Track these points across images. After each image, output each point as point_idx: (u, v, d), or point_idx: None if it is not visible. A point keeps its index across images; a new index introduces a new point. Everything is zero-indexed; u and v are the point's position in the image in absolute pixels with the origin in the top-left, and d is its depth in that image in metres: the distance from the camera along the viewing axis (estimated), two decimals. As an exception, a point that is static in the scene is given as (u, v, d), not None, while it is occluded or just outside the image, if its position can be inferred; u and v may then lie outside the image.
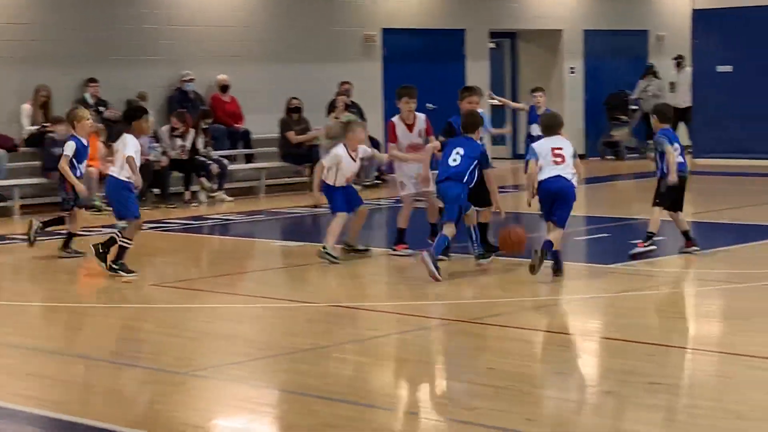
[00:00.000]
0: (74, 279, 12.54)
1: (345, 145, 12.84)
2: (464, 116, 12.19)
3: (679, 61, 25.63)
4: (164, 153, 18.13)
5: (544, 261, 11.02)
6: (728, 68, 23.20)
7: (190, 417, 7.09)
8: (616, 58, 26.08)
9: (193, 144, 18.52)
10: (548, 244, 11.08)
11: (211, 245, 15.04)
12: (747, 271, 11.52)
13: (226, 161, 19.08)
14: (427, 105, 22.86)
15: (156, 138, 18.26)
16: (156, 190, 18.17)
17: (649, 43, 27.03)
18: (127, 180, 11.91)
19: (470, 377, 7.83)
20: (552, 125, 11.75)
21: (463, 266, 12.48)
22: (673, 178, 12.14)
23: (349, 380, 7.77)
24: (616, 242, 13.93)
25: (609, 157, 25.03)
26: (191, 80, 19.54)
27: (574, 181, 11.35)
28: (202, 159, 18.56)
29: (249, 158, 20.51)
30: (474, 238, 11.88)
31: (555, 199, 11.26)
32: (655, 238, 12.27)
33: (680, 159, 12.33)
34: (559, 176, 11.25)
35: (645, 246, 12.26)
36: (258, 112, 20.48)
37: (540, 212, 11.69)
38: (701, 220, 15.25)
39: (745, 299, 10.30)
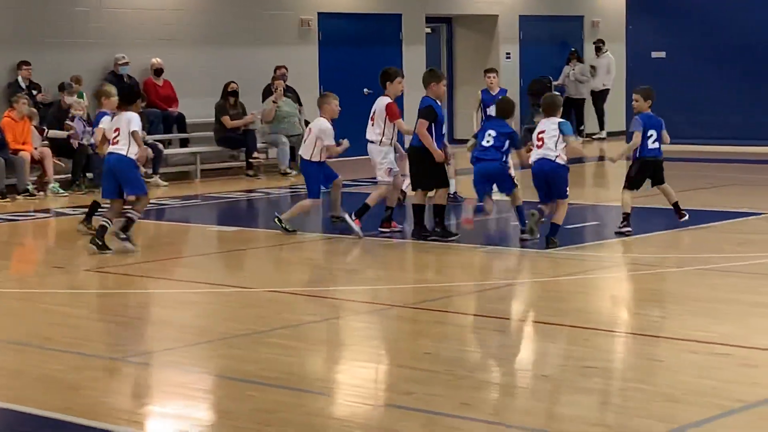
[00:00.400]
0: (7, 264, 12.39)
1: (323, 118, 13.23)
2: (501, 102, 13.10)
3: (599, 45, 25.97)
4: (98, 137, 17.93)
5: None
6: (662, 54, 23.38)
7: (123, 403, 7.03)
8: (551, 44, 26.19)
9: (127, 128, 18.33)
10: (555, 227, 12.04)
11: (145, 230, 14.90)
12: (680, 256, 11.64)
13: (160, 146, 18.93)
14: (364, 90, 22.89)
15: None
16: (90, 175, 17.98)
17: (585, 28, 27.17)
18: (134, 157, 12.11)
19: (407, 362, 7.83)
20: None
21: (401, 251, 12.49)
22: (618, 158, 13.30)
23: (285, 365, 7.75)
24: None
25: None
26: (126, 64, 19.35)
27: (560, 161, 12.02)
28: (137, 143, 18.38)
29: (184, 143, 20.36)
30: (520, 218, 12.61)
31: (546, 180, 12.08)
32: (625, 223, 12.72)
33: (655, 144, 12.80)
34: (543, 158, 11.98)
35: (619, 226, 12.73)
36: (193, 96, 20.33)
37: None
38: (635, 205, 15.36)
39: (678, 283, 10.40)
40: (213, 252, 12.98)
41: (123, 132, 12.09)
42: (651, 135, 12.80)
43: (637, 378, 7.35)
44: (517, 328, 9.10)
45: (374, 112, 13.39)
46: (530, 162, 12.18)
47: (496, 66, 25.11)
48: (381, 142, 13.21)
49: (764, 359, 7.77)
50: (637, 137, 12.78)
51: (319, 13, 22.30)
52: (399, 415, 6.70)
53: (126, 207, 12.38)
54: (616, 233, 12.69)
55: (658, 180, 13.14)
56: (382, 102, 13.38)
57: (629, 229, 12.63)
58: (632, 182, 12.96)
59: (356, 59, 22.86)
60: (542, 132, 12.11)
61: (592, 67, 25.96)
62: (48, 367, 7.84)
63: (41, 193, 17.26)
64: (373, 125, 13.33)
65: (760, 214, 14.06)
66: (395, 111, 13.29)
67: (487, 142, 12.38)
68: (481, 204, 12.56)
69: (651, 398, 6.82)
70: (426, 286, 10.54)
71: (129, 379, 7.63)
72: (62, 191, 17.34)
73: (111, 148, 12.23)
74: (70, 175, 17.87)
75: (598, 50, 25.97)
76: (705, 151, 21.45)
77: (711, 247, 12.15)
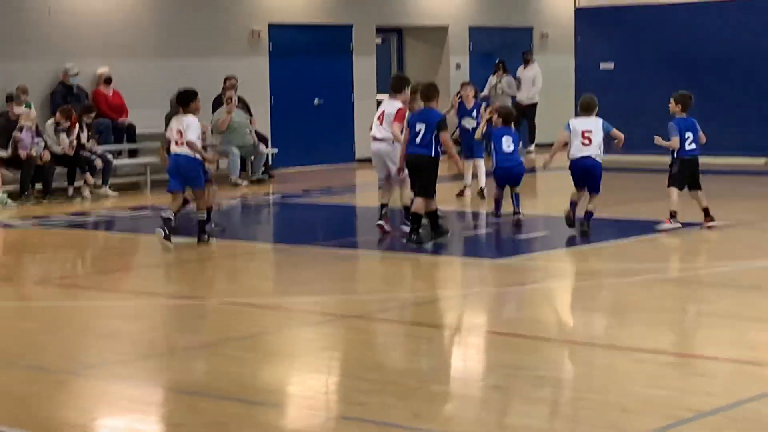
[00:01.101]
0: (-47, 276, 12.27)
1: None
2: (506, 112, 15.25)
3: (526, 57, 25.58)
4: (46, 148, 17.79)
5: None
6: (610, 65, 23.55)
7: (71, 417, 6.97)
8: (501, 55, 26.29)
9: (77, 139, 18.22)
10: (589, 214, 13.34)
11: (95, 241, 14.82)
12: (630, 266, 11.71)
13: (110, 156, 18.81)
14: (315, 100, 22.91)
15: (38, 133, 17.93)
16: (39, 186, 17.85)
17: (534, 40, 27.32)
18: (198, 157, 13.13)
19: (359, 373, 7.82)
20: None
21: (353, 262, 12.49)
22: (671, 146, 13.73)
23: (236, 377, 7.71)
24: (502, 237, 14.08)
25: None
26: (76, 74, 19.21)
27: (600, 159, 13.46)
28: (86, 154, 18.28)
29: (134, 153, 20.25)
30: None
31: (587, 175, 13.42)
32: (674, 220, 13.41)
33: (693, 146, 13.62)
34: (589, 156, 13.32)
35: (671, 223, 13.40)
36: (143, 107, 20.22)
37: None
38: (582, 215, 15.45)
39: (629, 293, 10.46)
40: (164, 263, 12.91)
41: (185, 134, 12.97)
42: (688, 137, 13.65)
43: (588, 388, 7.38)
44: (468, 338, 9.11)
45: (383, 113, 13.72)
46: (571, 156, 13.46)
47: (446, 77, 25.25)
48: (392, 142, 13.60)
49: (715, 368, 7.83)
50: (675, 142, 13.62)
51: (269, 24, 22.27)
52: (352, 426, 6.69)
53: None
54: (658, 230, 13.32)
55: (695, 183, 13.71)
56: (394, 105, 13.67)
57: (679, 225, 13.37)
58: (676, 180, 13.67)
59: (307, 70, 22.85)
60: (589, 131, 13.41)
61: (518, 79, 25.49)
62: (-4, 381, 7.75)
63: (-11, 204, 17.12)
64: (381, 125, 13.68)
65: (711, 225, 14.16)
66: (403, 116, 13.59)
67: (509, 147, 14.47)
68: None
69: (603, 408, 6.85)
70: (378, 296, 10.53)
71: (79, 393, 7.56)
72: (11, 202, 17.20)
73: (177, 149, 13.04)
74: (18, 186, 17.70)
75: (526, 62, 25.51)
76: (653, 162, 21.56)
77: (660, 257, 12.25)
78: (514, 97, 24.89)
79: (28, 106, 18.34)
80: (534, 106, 25.52)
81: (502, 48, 26.48)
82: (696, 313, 9.48)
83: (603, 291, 10.67)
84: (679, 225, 13.37)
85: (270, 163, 21.20)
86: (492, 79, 25.15)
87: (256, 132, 20.51)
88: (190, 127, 13.00)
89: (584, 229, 13.30)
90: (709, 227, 13.55)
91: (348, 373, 7.98)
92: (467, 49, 25.96)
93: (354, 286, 11.23)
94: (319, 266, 12.23)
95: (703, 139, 13.85)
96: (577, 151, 13.45)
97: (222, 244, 13.29)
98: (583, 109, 13.85)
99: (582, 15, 24.22)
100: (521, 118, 25.10)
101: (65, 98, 18.99)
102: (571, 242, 13.12)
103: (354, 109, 23.52)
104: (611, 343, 8.61)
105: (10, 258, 13.49)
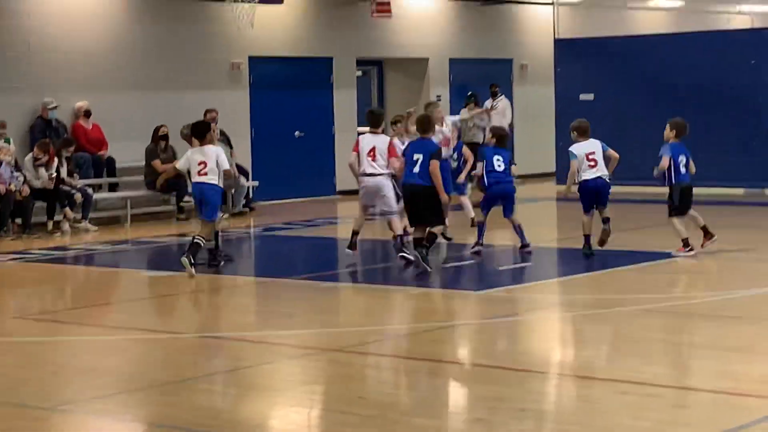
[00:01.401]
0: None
1: None
2: (502, 134, 15.13)
3: (494, 90, 25.04)
4: (25, 182, 17.72)
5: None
6: (590, 96, 23.64)
7: (53, 453, 6.91)
8: (481, 86, 26.36)
9: (57, 173, 18.16)
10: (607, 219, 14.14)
11: (75, 276, 14.75)
12: (612, 297, 11.71)
13: (90, 190, 18.75)
14: (296, 132, 22.92)
15: (18, 167, 17.87)
16: (18, 220, 17.77)
17: (514, 71, 27.42)
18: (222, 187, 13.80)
19: (340, 406, 7.78)
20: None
21: (334, 295, 12.46)
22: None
23: (218, 412, 7.66)
24: (483, 268, 14.06)
25: None
26: (54, 108, 19.18)
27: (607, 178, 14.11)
28: (66, 188, 18.21)
29: (113, 187, 20.20)
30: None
31: (597, 194, 14.13)
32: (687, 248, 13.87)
33: (682, 170, 13.94)
34: (599, 177, 13.98)
35: (685, 251, 13.86)
36: (123, 140, 20.19)
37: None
38: (566, 246, 15.47)
39: (610, 324, 10.45)
40: (144, 297, 12.86)
41: (211, 164, 13.54)
42: (682, 161, 13.95)
43: (571, 420, 7.36)
44: (450, 370, 9.08)
45: (374, 149, 14.20)
46: (582, 179, 14.06)
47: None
48: (387, 175, 14.26)
49: (696, 400, 7.82)
50: (665, 161, 13.88)
51: (249, 57, 22.29)
52: (334, 461, 6.64)
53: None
54: (674, 255, 13.79)
55: (689, 206, 14.15)
56: (383, 140, 14.35)
57: (693, 251, 13.83)
58: (678, 209, 13.99)
59: (287, 102, 22.87)
60: (592, 153, 14.05)
61: (488, 110, 24.89)
62: (-25, 418, 7.69)
63: (-32, 239, 17.04)
64: (374, 160, 14.17)
65: (690, 254, 14.19)
66: (395, 150, 14.25)
67: (499, 166, 14.43)
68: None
69: (585, 440, 6.83)
70: (359, 329, 10.50)
71: (58, 429, 7.50)
72: (-10, 237, 17.12)
73: (200, 178, 13.58)
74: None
75: (494, 95, 24.98)
76: (633, 192, 21.64)
77: (641, 288, 12.25)
78: (484, 129, 24.78)
79: (7, 140, 18.28)
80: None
81: (482, 79, 26.54)
82: (677, 344, 9.47)
83: (584, 322, 10.64)
84: (693, 252, 13.82)
85: (251, 195, 21.17)
86: (463, 112, 24.94)
87: (236, 165, 20.47)
88: (220, 157, 13.67)
89: (606, 228, 14.12)
90: (710, 241, 13.98)
91: (330, 407, 7.94)
92: (448, 81, 26.04)
93: (335, 319, 11.19)
94: (300, 299, 12.19)
95: (692, 169, 14.09)
96: (588, 173, 14.02)
97: (202, 278, 13.24)
98: (582, 133, 14.37)
99: (561, 46, 24.33)
100: None
101: (44, 132, 18.94)
102: (554, 273, 13.11)
103: (335, 142, 23.53)
104: (593, 374, 8.59)
105: (-11, 293, 13.41)
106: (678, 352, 9.20)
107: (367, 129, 14.85)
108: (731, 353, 9.06)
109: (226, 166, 13.73)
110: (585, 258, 13.96)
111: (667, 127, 14.29)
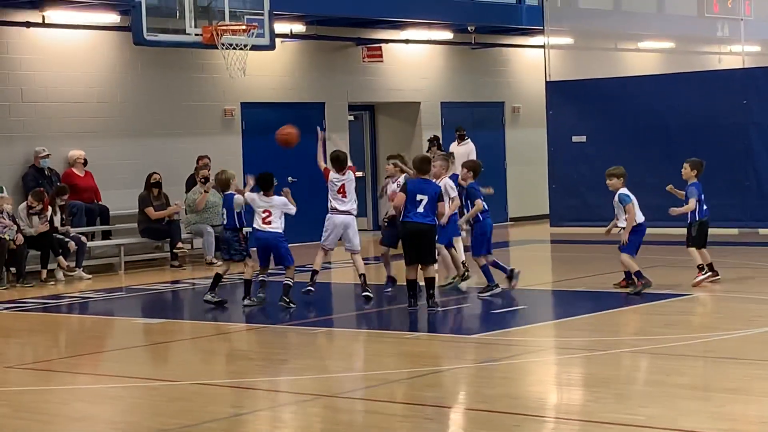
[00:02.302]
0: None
1: None
2: (475, 165, 15.55)
3: (461, 134, 24.64)
4: (19, 231, 17.71)
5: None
6: (582, 138, 23.71)
7: (47, 505, 6.87)
8: (473, 129, 26.46)
9: (51, 221, 18.17)
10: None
11: (69, 324, 14.72)
12: (606, 339, 11.69)
13: (83, 238, 18.75)
14: (289, 178, 22.94)
15: (11, 217, 17.86)
16: (12, 269, 17.74)
17: (505, 114, 27.51)
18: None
19: (336, 453, 7.75)
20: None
21: (329, 340, 12.44)
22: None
23: (213, 460, 7.63)
24: (478, 312, 14.05)
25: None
26: (47, 156, 19.22)
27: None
28: (60, 236, 18.21)
29: (107, 235, 20.20)
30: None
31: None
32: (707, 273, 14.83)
33: (704, 207, 15.14)
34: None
35: (703, 275, 14.76)
36: (116, 188, 20.22)
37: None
38: (560, 288, 15.48)
39: (605, 366, 10.43)
40: (138, 345, 12.83)
41: (275, 214, 14.36)
42: (702, 198, 15.12)
43: (567, 463, 7.33)
44: (445, 415, 9.05)
45: (343, 187, 14.79)
46: (641, 220, 14.70)
47: (419, 151, 25.32)
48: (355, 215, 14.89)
49: (693, 441, 7.80)
50: (692, 203, 14.98)
51: (242, 103, 22.37)
52: (329, 508, 6.61)
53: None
54: (694, 285, 14.61)
55: (705, 242, 15.13)
56: (350, 178, 14.93)
57: (713, 276, 14.82)
58: (696, 240, 14.99)
59: (280, 148, 22.87)
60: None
61: (451, 154, 25.24)
62: (-31, 469, 7.65)
63: (-38, 288, 17.01)
64: (346, 200, 14.68)
65: (684, 295, 14.21)
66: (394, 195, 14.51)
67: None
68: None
69: (582, 484, 6.80)
70: (354, 374, 10.48)
71: (53, 479, 7.46)
72: (-17, 286, 17.10)
73: (265, 227, 14.36)
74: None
75: (461, 138, 24.51)
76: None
77: (636, 329, 12.24)
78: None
79: (1, 190, 18.30)
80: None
81: (474, 122, 26.66)
82: (672, 385, 9.45)
83: (578, 364, 10.63)
84: (718, 277, 14.81)
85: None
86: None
87: (229, 211, 20.47)
88: (287, 206, 14.54)
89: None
90: (715, 281, 14.76)
91: (325, 453, 7.90)
92: (440, 124, 26.12)
93: (330, 365, 11.16)
94: (295, 345, 12.17)
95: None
96: (640, 216, 14.71)
97: (196, 326, 13.22)
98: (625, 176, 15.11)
99: (553, 88, 24.43)
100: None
101: (37, 181, 18.97)
102: (544, 317, 13.10)
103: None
104: (588, 417, 8.57)
105: (-17, 343, 13.38)
106: (672, 393, 9.18)
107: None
108: (727, 394, 9.05)
109: (292, 211, 14.59)
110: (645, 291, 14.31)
111: (687, 166, 15.28)
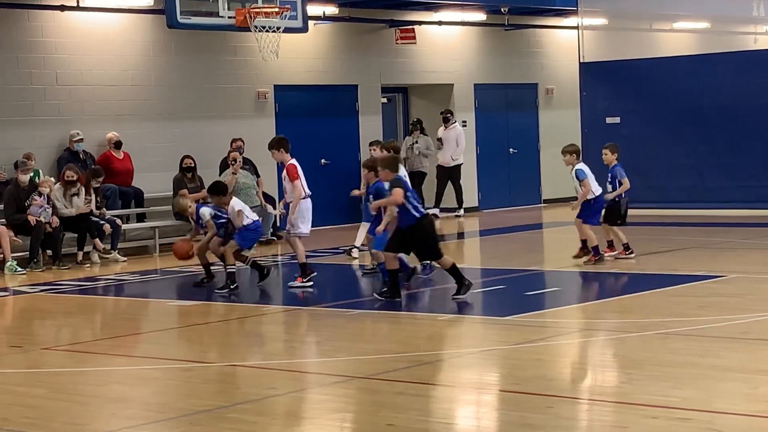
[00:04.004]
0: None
1: None
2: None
3: (447, 116, 24.67)
4: (54, 213, 17.83)
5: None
6: (616, 119, 23.62)
7: (84, 484, 6.94)
8: (507, 111, 26.43)
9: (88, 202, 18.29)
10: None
11: (105, 306, 14.82)
12: (639, 320, 11.67)
13: (118, 221, 18.86)
14: (322, 161, 22.98)
15: (47, 199, 17.97)
16: (48, 252, 17.88)
17: (539, 95, 27.44)
18: None
19: (369, 434, 7.79)
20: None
21: (361, 322, 12.48)
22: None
23: (247, 441, 7.67)
24: (510, 294, 14.04)
25: None
26: (81, 140, 19.33)
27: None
28: (95, 219, 18.33)
29: (141, 217, 20.31)
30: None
31: None
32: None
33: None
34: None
35: (627, 254, 15.82)
36: (151, 171, 20.33)
37: None
38: (590, 270, 15.43)
39: (638, 348, 10.41)
40: (173, 327, 12.91)
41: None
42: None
43: (600, 445, 7.33)
44: (479, 396, 9.07)
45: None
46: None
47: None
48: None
49: (726, 423, 7.78)
50: (626, 182, 16.10)
51: (275, 86, 22.41)
52: (363, 489, 6.65)
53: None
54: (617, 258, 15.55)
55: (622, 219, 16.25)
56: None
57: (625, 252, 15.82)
58: (620, 218, 16.15)
59: (313, 130, 22.95)
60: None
61: (439, 139, 24.73)
62: (6, 449, 7.73)
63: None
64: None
65: (717, 276, 14.16)
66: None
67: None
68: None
69: (615, 465, 6.80)
70: (387, 356, 10.50)
71: (89, 460, 7.53)
72: (20, 269, 17.22)
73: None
74: (28, 252, 17.73)
75: (446, 121, 24.58)
76: (660, 215, 21.62)
77: (670, 311, 12.21)
78: (427, 157, 24.39)
79: (36, 173, 18.43)
80: (458, 167, 24.70)
81: (507, 104, 26.62)
82: (706, 367, 9.42)
83: (611, 346, 10.62)
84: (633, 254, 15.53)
85: (278, 224, 21.21)
86: (407, 140, 24.56)
87: (263, 193, 20.54)
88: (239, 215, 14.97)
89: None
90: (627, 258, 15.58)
91: (359, 434, 7.94)
92: (473, 106, 26.08)
93: (363, 347, 11.19)
94: (327, 327, 12.21)
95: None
96: (597, 188, 15.88)
97: (230, 307, 13.28)
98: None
99: (587, 69, 24.32)
100: (445, 181, 24.54)
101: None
102: (577, 298, 13.08)
103: (361, 169, 23.54)
104: (621, 399, 8.56)
105: (19, 324, 13.50)
106: (707, 375, 9.15)
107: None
108: (762, 376, 9.02)
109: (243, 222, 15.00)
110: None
111: (608, 151, 16.72)
